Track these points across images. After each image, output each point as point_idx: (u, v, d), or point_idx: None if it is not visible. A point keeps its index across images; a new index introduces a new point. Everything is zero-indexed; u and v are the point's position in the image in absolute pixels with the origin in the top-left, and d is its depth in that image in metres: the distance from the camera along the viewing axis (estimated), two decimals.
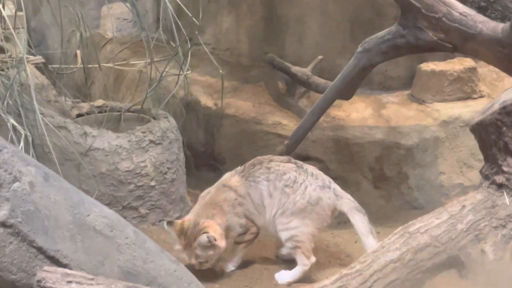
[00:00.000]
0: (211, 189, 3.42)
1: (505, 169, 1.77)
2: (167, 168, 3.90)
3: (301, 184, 3.22)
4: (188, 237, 3.21)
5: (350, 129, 4.20)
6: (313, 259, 3.21)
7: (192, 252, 3.21)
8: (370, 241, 3.12)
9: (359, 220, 3.24)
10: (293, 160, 3.37)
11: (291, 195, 3.20)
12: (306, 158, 4.23)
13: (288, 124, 4.25)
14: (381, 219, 4.03)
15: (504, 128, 1.76)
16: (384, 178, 4.18)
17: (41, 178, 1.70)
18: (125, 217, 3.78)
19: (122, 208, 3.77)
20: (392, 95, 4.52)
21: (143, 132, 3.83)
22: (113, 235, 1.80)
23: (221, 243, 3.20)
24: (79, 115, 4.10)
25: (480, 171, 1.86)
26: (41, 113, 3.62)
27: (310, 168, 3.34)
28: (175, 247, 3.29)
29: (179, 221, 3.28)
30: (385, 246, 1.71)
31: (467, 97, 4.41)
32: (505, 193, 1.76)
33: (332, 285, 1.62)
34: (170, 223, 3.28)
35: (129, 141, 3.77)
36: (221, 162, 4.50)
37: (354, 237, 3.53)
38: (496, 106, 1.78)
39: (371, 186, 4.21)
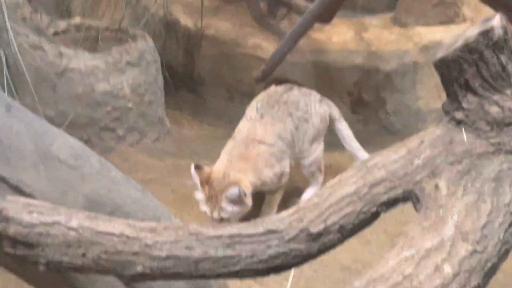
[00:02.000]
0: (236, 143, 3.12)
1: (464, 105, 1.78)
2: (145, 89, 3.89)
3: (311, 105, 3.23)
4: (214, 187, 2.96)
5: (330, 53, 4.17)
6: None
7: (216, 205, 2.95)
8: (356, 144, 3.47)
9: (346, 126, 3.48)
10: (291, 85, 3.33)
11: (310, 119, 3.20)
12: (285, 81, 4.22)
13: (268, 47, 4.21)
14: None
15: (466, 65, 1.75)
16: (362, 103, 4.20)
17: (3, 108, 1.69)
18: (102, 138, 3.82)
19: (99, 129, 3.78)
20: (375, 18, 4.47)
21: (120, 53, 3.80)
22: (77, 165, 1.82)
23: (250, 201, 2.97)
24: (55, 34, 4.05)
25: (442, 106, 1.87)
26: (15, 32, 3.57)
27: (305, 88, 3.36)
28: (197, 195, 3.05)
29: (207, 168, 3.00)
30: (343, 180, 1.73)
31: (450, 21, 4.37)
32: (463, 130, 1.77)
33: (289, 217, 1.66)
34: (198, 167, 2.98)
35: (105, 62, 3.74)
36: (201, 83, 4.49)
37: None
38: (459, 43, 1.77)
39: (349, 111, 4.22)
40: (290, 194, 3.42)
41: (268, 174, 3.05)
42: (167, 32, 4.41)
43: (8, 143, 1.69)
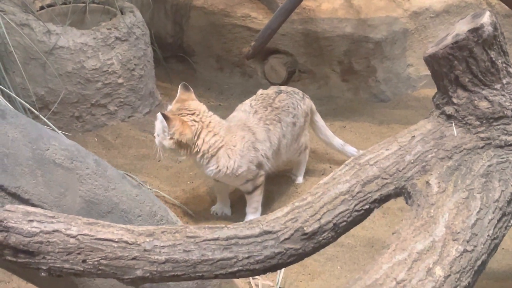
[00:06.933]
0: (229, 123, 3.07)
1: (455, 100, 1.80)
2: (135, 64, 3.87)
3: (297, 106, 3.26)
4: (174, 107, 2.94)
5: (320, 22, 4.15)
6: None
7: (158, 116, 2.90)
8: (330, 132, 3.49)
9: (320, 118, 3.47)
10: (277, 88, 3.32)
11: (297, 122, 3.23)
12: (275, 51, 4.22)
13: (257, 17, 4.18)
14: (348, 112, 4.10)
15: (456, 62, 1.77)
16: (352, 72, 4.20)
17: None
18: (93, 115, 3.82)
19: (90, 106, 3.78)
20: None
21: (108, 29, 3.76)
22: (73, 167, 1.83)
23: (169, 143, 2.85)
24: (42, 8, 4.00)
25: (432, 99, 1.89)
26: (1, 11, 3.53)
27: (289, 88, 3.36)
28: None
29: (192, 95, 3.00)
30: (336, 178, 1.76)
31: None
32: (453, 124, 1.80)
33: (284, 217, 1.69)
34: (186, 86, 2.98)
35: (94, 38, 3.71)
36: (190, 54, 4.47)
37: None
38: (449, 39, 1.78)
39: (339, 80, 4.23)
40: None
41: (241, 162, 2.96)
42: (155, 3, 4.36)
43: (5, 151, 1.70)
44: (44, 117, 3.11)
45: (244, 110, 3.11)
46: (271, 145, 3.06)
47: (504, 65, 1.81)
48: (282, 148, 3.16)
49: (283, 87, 3.34)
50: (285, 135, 3.15)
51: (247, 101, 3.19)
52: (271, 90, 3.28)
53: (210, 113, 2.99)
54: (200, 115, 2.93)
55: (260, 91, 3.27)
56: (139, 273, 1.63)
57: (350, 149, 3.43)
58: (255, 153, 3.00)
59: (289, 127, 3.18)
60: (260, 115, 3.09)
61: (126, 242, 1.62)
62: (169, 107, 2.97)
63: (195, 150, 2.91)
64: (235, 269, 1.66)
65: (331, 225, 1.70)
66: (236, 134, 2.98)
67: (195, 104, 2.97)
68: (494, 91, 1.80)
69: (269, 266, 1.68)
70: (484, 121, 1.80)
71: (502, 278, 2.75)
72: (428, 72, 1.88)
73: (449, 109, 1.82)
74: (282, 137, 3.14)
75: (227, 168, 2.94)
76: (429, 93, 4.15)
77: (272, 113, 3.12)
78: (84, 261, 1.60)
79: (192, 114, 2.91)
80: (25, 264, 1.61)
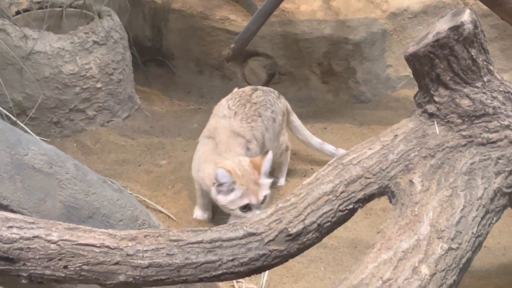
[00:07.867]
0: (217, 140, 3.05)
1: (436, 99, 1.81)
2: (113, 68, 3.84)
3: (274, 104, 3.26)
4: (244, 175, 2.86)
5: (299, 24, 4.15)
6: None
7: (258, 186, 2.87)
8: (307, 132, 3.50)
9: (297, 118, 3.48)
10: (253, 86, 3.34)
11: (276, 118, 3.24)
12: (254, 54, 4.21)
13: (236, 19, 4.17)
14: (328, 114, 4.10)
15: (437, 60, 1.77)
16: (332, 73, 4.20)
17: None
18: (72, 120, 3.78)
19: (69, 111, 3.73)
20: None
21: (86, 33, 3.73)
22: (53, 172, 1.80)
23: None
24: (18, 13, 3.95)
25: (414, 98, 1.89)
26: None
27: (264, 87, 3.37)
28: (219, 199, 2.89)
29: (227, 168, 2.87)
30: (319, 178, 1.75)
31: None
32: (435, 123, 1.80)
33: (268, 219, 1.68)
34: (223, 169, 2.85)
35: (71, 43, 3.66)
36: (169, 57, 4.44)
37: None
38: (430, 38, 1.78)
39: (319, 82, 4.23)
40: None
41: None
42: (133, 6, 4.33)
43: None
44: (22, 123, 3.06)
45: (224, 116, 3.09)
46: (257, 142, 3.10)
47: (485, 63, 1.81)
48: (267, 142, 3.18)
49: (258, 86, 3.37)
50: (267, 128, 3.18)
51: (224, 102, 3.19)
52: (247, 88, 3.31)
53: None
54: None
55: (235, 89, 3.29)
56: (122, 278, 1.60)
57: (329, 147, 3.45)
58: (249, 153, 3.04)
59: (270, 122, 3.21)
60: (240, 116, 3.10)
61: (108, 247, 1.60)
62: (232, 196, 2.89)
63: None
64: (220, 272, 1.64)
65: (315, 225, 1.69)
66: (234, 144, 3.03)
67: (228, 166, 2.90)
68: (475, 89, 1.81)
69: (254, 268, 1.66)
70: (465, 119, 1.80)
71: (485, 276, 2.76)
72: (407, 73, 1.89)
73: (431, 108, 1.82)
74: (265, 131, 3.17)
75: None
76: (408, 94, 4.16)
77: (251, 108, 3.14)
78: (65, 267, 1.58)
79: None
80: (5, 272, 1.58)
